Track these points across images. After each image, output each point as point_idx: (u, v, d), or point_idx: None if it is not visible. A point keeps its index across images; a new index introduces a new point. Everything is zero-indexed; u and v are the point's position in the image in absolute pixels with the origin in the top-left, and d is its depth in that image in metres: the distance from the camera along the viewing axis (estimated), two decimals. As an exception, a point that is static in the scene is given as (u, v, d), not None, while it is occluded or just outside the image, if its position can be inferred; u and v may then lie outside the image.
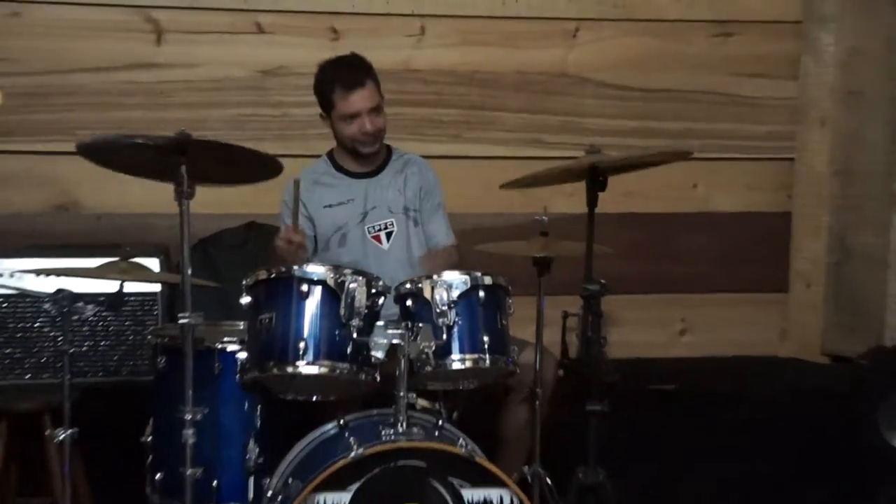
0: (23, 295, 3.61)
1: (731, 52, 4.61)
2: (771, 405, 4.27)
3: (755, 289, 4.75)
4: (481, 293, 3.15)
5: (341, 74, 3.62)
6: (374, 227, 3.71)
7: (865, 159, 4.51)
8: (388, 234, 3.72)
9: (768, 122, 4.66)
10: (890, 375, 4.01)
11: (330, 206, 3.71)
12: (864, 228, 4.52)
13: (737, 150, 4.66)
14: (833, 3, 4.53)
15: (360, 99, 3.59)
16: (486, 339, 3.12)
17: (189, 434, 2.89)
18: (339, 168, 3.75)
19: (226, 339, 3.24)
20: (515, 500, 2.80)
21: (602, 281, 3.23)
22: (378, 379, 3.01)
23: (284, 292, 3.02)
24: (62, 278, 3.19)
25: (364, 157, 3.70)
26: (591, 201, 3.22)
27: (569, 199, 3.45)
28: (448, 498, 2.76)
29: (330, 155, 3.77)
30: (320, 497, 2.73)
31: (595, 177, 3.23)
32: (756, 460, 4.19)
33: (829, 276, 4.62)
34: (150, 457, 3.28)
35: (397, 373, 2.91)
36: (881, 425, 3.97)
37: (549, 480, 3.40)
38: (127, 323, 3.80)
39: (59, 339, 3.08)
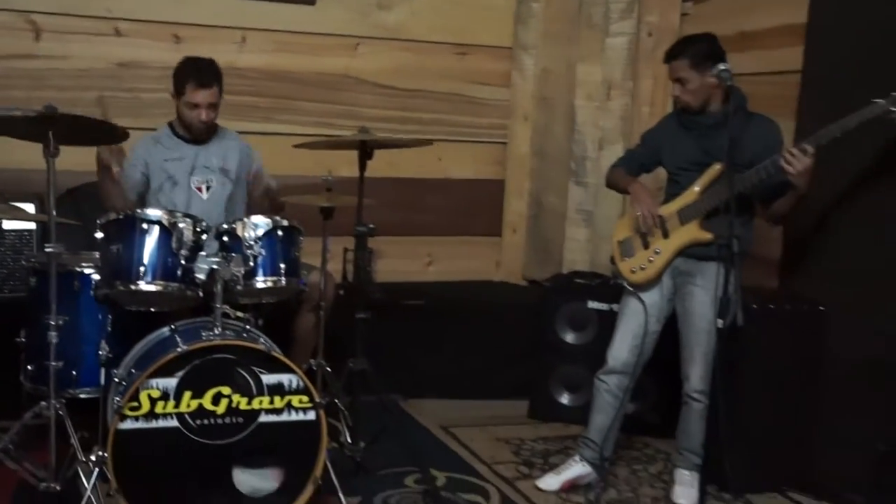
0: (-72, 230, 3.28)
1: (465, 66, 4.61)
2: (487, 314, 4.32)
3: (479, 233, 4.79)
4: (280, 232, 3.09)
5: (198, 73, 3.41)
6: (197, 180, 3.54)
7: (552, 145, 4.59)
8: (208, 188, 3.54)
9: (490, 116, 4.69)
10: (564, 293, 4.10)
11: (166, 160, 3.51)
12: (551, 192, 4.61)
13: (468, 135, 4.67)
14: (532, 36, 4.55)
15: (204, 96, 3.39)
16: (282, 265, 3.06)
17: (53, 335, 2.74)
18: (176, 134, 3.55)
19: (84, 264, 3.05)
20: (301, 382, 2.75)
21: (371, 225, 3.26)
22: (201, 295, 2.91)
23: (129, 229, 2.86)
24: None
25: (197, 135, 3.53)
26: (362, 167, 3.26)
27: (349, 167, 3.34)
28: (251, 381, 2.69)
29: (170, 124, 3.56)
30: (154, 382, 2.60)
31: (364, 149, 3.26)
32: (476, 351, 4.27)
33: (528, 225, 4.70)
34: (24, 353, 3.08)
35: (215, 290, 2.82)
36: (557, 326, 4.06)
37: (328, 368, 3.40)
38: (8, 252, 3.53)
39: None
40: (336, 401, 3.40)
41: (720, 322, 2.55)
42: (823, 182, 3.25)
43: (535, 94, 4.58)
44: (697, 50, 3.08)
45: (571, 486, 3.33)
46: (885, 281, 3.16)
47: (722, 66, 2.79)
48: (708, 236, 3.12)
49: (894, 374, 2.99)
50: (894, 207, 3.15)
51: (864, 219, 3.26)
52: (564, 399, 4.06)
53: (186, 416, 2.62)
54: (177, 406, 2.61)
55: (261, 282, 3.02)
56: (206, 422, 2.64)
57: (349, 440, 3.31)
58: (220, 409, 2.65)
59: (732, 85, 2.78)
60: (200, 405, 2.63)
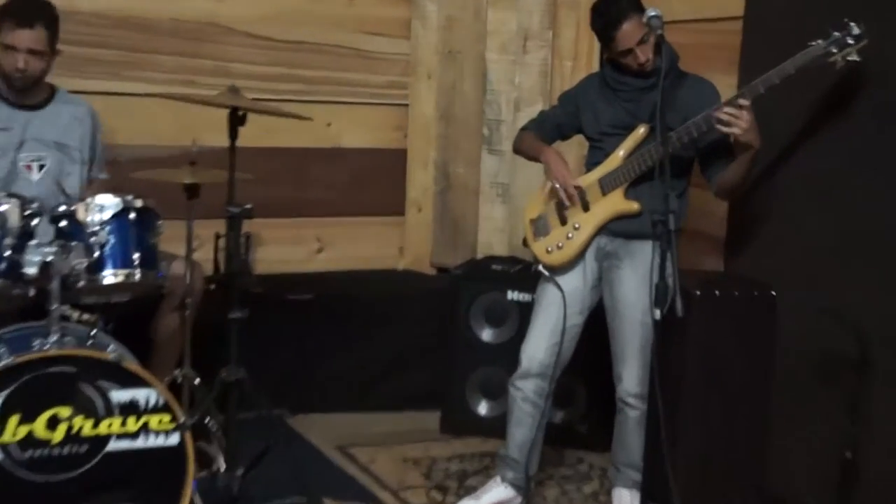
0: None
1: (356, 13, 4.56)
2: (389, 309, 4.33)
3: (378, 212, 4.77)
4: (132, 214, 3.03)
5: (19, 10, 3.28)
6: (26, 157, 3.41)
7: (461, 106, 4.59)
8: (41, 167, 3.43)
9: (388, 73, 4.66)
10: (479, 282, 4.10)
11: None
12: (461, 162, 4.63)
13: (363, 95, 4.63)
14: (435, -23, 4.60)
15: (23, 38, 3.25)
16: (136, 255, 3.01)
17: None
18: (1, 97, 3.39)
19: None
20: (161, 398, 2.68)
21: (247, 205, 3.18)
22: (32, 293, 2.82)
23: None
24: None
25: (18, 90, 3.37)
26: (233, 135, 3.19)
27: (217, 134, 3.25)
28: (96, 400, 2.61)
29: None
30: (-27, 403, 2.50)
31: (235, 113, 3.18)
32: (377, 353, 4.28)
33: (435, 202, 4.70)
34: None
35: (50, 288, 2.72)
36: (472, 321, 4.07)
37: (197, 380, 3.36)
38: None
39: None
40: (206, 419, 3.33)
41: (656, 312, 2.56)
42: (772, 146, 3.32)
43: (440, 46, 4.58)
44: (636, 0, 3.12)
45: (494, 513, 3.36)
46: (842, 259, 3.23)
47: (652, 13, 2.82)
48: (635, 206, 3.17)
49: (855, 367, 3.06)
50: (847, 171, 3.21)
51: (817, 186, 3.32)
52: (482, 408, 4.09)
53: (12, 447, 2.55)
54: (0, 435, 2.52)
55: (109, 276, 2.96)
56: (38, 453, 2.57)
57: (223, 467, 3.24)
58: (58, 436, 2.58)
59: (662, 35, 2.81)
60: (31, 433, 2.56)
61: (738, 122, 2.93)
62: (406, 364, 4.28)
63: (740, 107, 2.94)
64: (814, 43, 2.96)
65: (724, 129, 2.96)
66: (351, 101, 4.60)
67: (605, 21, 3.13)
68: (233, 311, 3.19)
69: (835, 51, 2.95)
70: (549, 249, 3.29)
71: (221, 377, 3.21)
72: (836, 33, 2.95)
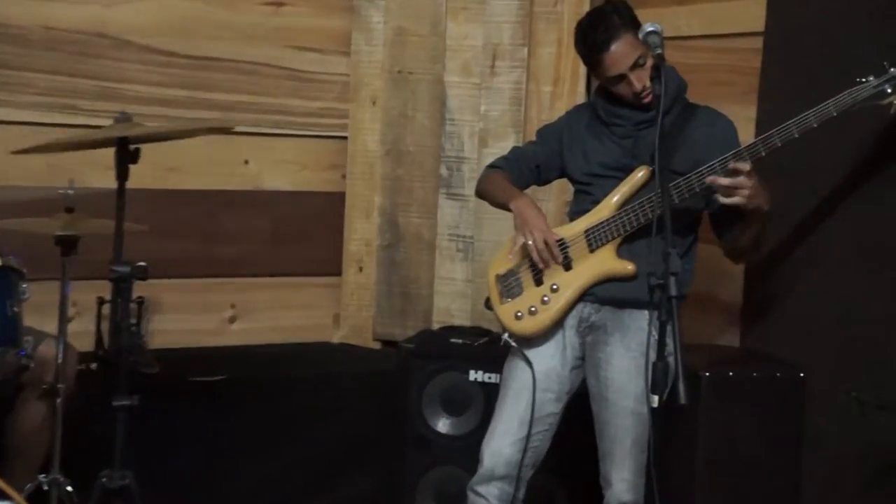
0: None
1: (282, 24, 4.59)
2: (321, 393, 4.30)
3: (309, 272, 4.78)
4: None
5: None
6: None
7: (414, 140, 4.62)
8: None
9: (322, 98, 4.68)
10: (434, 359, 4.08)
11: None
12: (413, 210, 4.65)
13: (290, 125, 4.66)
14: (381, -21, 4.65)
15: None
16: None
17: None
18: None
19: None
20: None
21: (140, 263, 3.14)
22: None
23: None
24: None
25: None
26: (122, 174, 3.17)
27: (105, 173, 3.25)
28: (-68, 517, 2.54)
29: None
30: None
31: (125, 147, 3.16)
32: (305, 449, 4.23)
33: (380, 259, 4.70)
34: None
35: None
36: (425, 409, 4.04)
37: (69, 488, 3.29)
38: None
39: None
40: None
41: (653, 400, 2.53)
42: (806, 198, 3.35)
43: (387, 65, 4.61)
44: (630, 14, 3.14)
45: None
46: (888, 335, 3.24)
47: (650, 28, 2.84)
48: (629, 267, 3.18)
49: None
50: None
51: (859, 247, 3.34)
52: (437, 519, 4.10)
53: None
54: None
55: (-45, 356, 2.96)
56: None
57: None
58: None
59: (662, 55, 2.81)
60: None
61: (739, 192, 2.96)
62: (342, 464, 4.25)
63: (737, 171, 2.96)
64: (864, 80, 2.98)
65: (725, 201, 2.99)
66: (275, 132, 4.62)
67: (590, 42, 3.15)
68: (118, 398, 3.13)
69: (890, 91, 2.98)
70: (519, 315, 3.28)
71: (101, 483, 3.15)
72: (894, 69, 2.97)
